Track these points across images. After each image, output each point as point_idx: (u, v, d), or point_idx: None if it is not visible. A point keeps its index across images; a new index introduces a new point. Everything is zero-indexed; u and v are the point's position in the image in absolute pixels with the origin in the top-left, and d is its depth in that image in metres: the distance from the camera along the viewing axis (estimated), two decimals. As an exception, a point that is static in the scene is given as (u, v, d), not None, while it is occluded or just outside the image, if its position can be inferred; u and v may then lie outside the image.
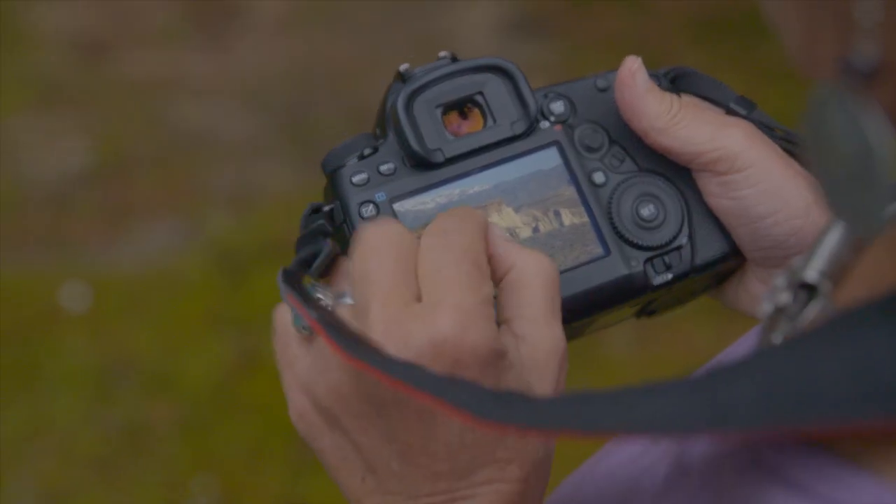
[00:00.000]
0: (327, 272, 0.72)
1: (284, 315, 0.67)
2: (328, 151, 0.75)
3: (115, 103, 2.88)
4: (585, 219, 0.75)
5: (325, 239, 0.72)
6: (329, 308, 0.64)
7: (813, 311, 0.54)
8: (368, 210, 0.73)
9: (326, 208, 0.74)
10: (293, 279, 0.65)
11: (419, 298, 0.63)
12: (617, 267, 0.74)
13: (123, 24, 3.05)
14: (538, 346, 0.64)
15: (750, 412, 0.48)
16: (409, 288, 0.63)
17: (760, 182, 0.73)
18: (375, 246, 0.64)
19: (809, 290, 0.55)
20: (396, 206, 0.73)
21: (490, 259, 0.66)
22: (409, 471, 0.63)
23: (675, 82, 0.78)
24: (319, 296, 0.66)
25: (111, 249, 2.63)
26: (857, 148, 0.46)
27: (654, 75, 0.76)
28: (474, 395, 0.54)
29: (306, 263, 0.67)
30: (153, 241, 2.64)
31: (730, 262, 0.77)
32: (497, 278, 0.66)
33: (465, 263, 0.63)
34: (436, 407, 0.56)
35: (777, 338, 0.55)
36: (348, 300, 0.65)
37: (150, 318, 2.51)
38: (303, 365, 0.65)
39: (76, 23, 3.04)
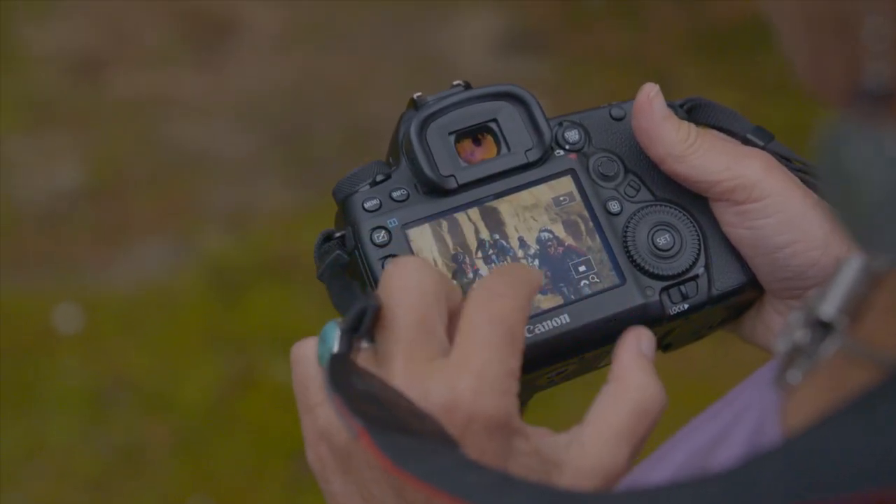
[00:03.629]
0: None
1: (306, 351, 0.66)
2: (339, 179, 0.75)
3: (110, 123, 2.87)
4: (600, 247, 0.74)
5: (362, 291, 0.69)
6: (376, 398, 0.62)
7: (829, 348, 0.53)
8: (381, 236, 0.72)
9: (338, 234, 0.73)
10: (341, 378, 0.61)
11: (443, 348, 0.62)
12: (632, 296, 0.74)
13: (118, 43, 3.04)
14: (591, 456, 0.63)
15: (780, 492, 0.47)
16: (433, 341, 0.62)
17: (778, 212, 0.72)
18: (405, 289, 0.63)
19: (825, 326, 0.54)
20: (409, 232, 0.73)
21: (615, 360, 0.65)
22: None
23: (691, 113, 0.78)
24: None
25: (106, 269, 2.62)
26: (879, 176, 0.45)
27: (670, 105, 0.76)
28: None
29: (354, 328, 0.63)
30: (148, 260, 2.63)
31: (748, 294, 0.76)
32: (609, 378, 0.65)
33: (500, 329, 0.62)
34: None
35: (793, 375, 0.54)
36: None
37: (145, 337, 2.50)
38: (323, 413, 0.64)
39: (70, 43, 3.03)
